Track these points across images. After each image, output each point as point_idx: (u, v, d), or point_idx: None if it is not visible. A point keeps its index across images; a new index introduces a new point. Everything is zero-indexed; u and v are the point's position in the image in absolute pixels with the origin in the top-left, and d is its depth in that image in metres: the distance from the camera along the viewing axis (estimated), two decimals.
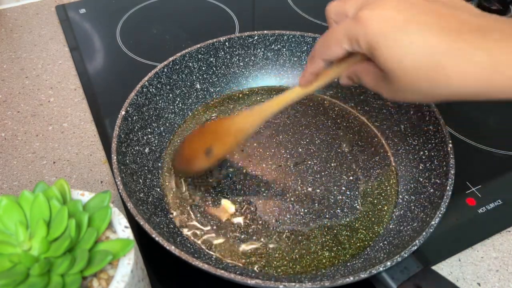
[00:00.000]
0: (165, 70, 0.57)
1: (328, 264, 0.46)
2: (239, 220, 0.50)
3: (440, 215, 0.43)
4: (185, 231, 0.49)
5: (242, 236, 0.48)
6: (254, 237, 0.48)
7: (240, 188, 0.52)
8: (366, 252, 0.47)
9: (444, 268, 0.48)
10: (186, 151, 0.51)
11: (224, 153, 0.50)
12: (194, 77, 0.61)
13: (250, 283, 0.40)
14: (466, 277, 0.47)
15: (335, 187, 0.53)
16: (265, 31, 0.62)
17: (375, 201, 0.51)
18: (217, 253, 0.47)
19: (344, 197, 0.52)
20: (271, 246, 0.48)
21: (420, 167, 0.52)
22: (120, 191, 0.45)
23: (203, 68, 0.61)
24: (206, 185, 0.53)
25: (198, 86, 0.61)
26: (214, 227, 0.49)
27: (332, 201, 0.51)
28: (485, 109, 0.64)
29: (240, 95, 0.63)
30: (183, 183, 0.53)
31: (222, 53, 0.61)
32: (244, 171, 0.54)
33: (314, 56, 0.40)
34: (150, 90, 0.56)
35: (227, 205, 0.51)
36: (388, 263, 0.40)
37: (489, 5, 0.76)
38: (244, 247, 0.48)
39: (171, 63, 0.58)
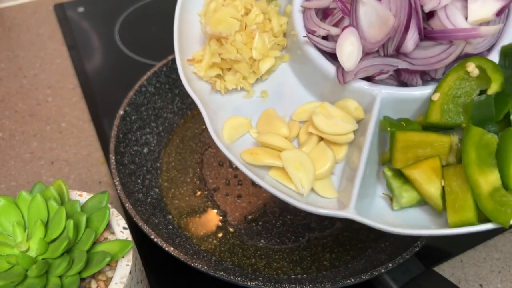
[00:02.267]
0: (164, 69, 0.57)
1: (329, 265, 0.46)
2: (239, 221, 0.49)
3: None
4: (184, 232, 0.48)
5: (242, 237, 0.48)
6: (254, 238, 0.48)
7: (240, 189, 0.52)
8: (367, 253, 0.46)
9: (446, 269, 0.47)
10: None
11: None
12: None
13: (250, 285, 0.40)
14: (468, 278, 0.47)
15: None
16: None
17: None
18: (217, 254, 0.47)
19: None
20: (271, 247, 0.47)
21: None
22: (118, 191, 0.45)
23: None
24: (206, 185, 0.52)
25: None
26: (214, 228, 0.49)
27: None
28: None
29: None
30: (183, 183, 0.52)
31: None
32: None
33: None
34: (149, 89, 0.56)
35: (227, 206, 0.51)
36: (390, 265, 0.40)
37: None
38: (244, 248, 0.47)
39: (170, 62, 0.57)
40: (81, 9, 0.80)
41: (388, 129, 0.35)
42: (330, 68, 0.37)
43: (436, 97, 0.34)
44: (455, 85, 0.34)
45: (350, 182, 0.35)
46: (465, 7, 0.34)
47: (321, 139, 0.38)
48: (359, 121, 0.37)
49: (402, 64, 0.35)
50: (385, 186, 0.36)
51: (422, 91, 0.35)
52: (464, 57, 0.35)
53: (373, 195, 0.36)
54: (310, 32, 0.38)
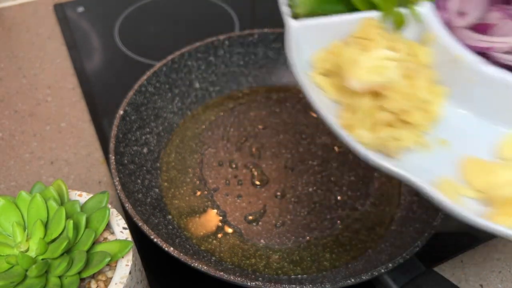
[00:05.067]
0: (164, 69, 0.57)
1: (329, 266, 0.46)
2: (238, 221, 0.49)
3: (442, 216, 0.43)
4: (184, 232, 0.48)
5: (242, 237, 0.48)
6: (254, 239, 0.48)
7: (240, 189, 0.52)
8: (367, 254, 0.46)
9: (447, 270, 0.47)
10: None
11: None
12: (193, 76, 0.60)
13: (250, 285, 0.39)
14: (469, 278, 0.47)
15: (336, 188, 0.52)
16: (266, 30, 0.61)
17: (377, 202, 0.51)
18: (217, 255, 0.46)
19: (345, 198, 0.51)
20: (271, 247, 0.47)
21: None
22: (118, 191, 0.45)
23: (202, 67, 0.60)
24: (206, 185, 0.52)
25: (197, 85, 0.61)
26: (214, 228, 0.49)
27: (333, 201, 0.51)
28: None
29: (240, 95, 0.62)
30: (183, 183, 0.52)
31: (222, 51, 0.61)
32: (244, 171, 0.54)
33: None
34: (149, 89, 0.55)
35: (227, 206, 0.50)
36: (390, 265, 0.40)
37: None
38: (244, 248, 0.47)
39: (170, 62, 0.57)
40: (81, 9, 0.80)
41: None
42: None
43: None
44: None
45: None
46: None
47: None
48: None
49: None
50: None
51: None
52: None
53: None
54: (482, 50, 0.33)
